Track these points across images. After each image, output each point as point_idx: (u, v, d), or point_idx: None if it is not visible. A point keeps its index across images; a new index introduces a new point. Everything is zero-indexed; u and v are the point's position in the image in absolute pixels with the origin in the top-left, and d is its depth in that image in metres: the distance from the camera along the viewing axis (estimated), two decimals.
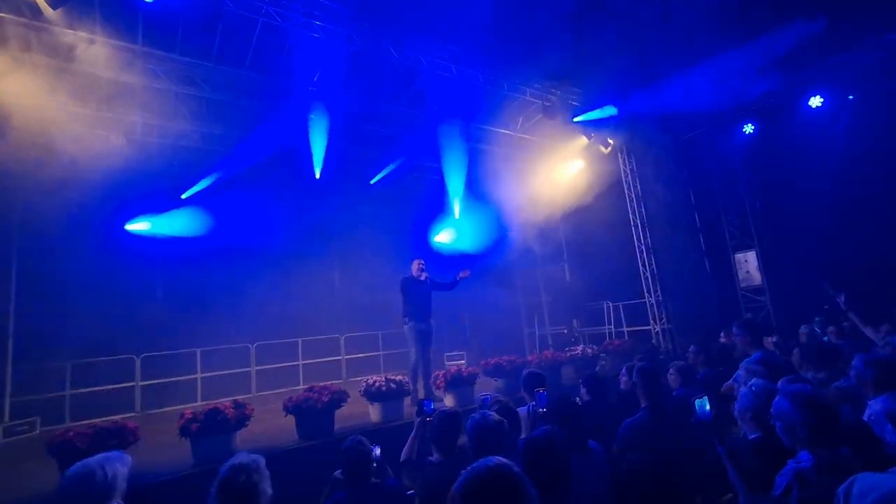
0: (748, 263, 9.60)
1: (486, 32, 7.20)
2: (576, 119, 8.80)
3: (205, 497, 3.71)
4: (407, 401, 5.76)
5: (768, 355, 4.18)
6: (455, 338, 11.51)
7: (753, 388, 2.58)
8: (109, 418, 6.77)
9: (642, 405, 3.10)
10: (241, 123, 7.82)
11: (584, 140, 9.46)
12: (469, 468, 1.51)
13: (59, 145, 6.78)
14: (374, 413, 5.47)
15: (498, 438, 2.47)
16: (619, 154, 9.91)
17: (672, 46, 7.79)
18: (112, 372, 8.24)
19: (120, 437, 3.77)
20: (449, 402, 5.93)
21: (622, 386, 4.37)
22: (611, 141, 9.53)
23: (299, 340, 10.30)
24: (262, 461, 1.96)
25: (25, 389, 7.45)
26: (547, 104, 8.49)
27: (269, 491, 1.92)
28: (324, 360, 10.42)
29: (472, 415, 2.81)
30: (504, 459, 1.51)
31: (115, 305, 8.25)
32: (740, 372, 3.63)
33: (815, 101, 7.96)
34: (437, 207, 11.67)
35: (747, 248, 9.66)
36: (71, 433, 3.75)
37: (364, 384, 5.50)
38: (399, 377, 5.59)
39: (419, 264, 6.79)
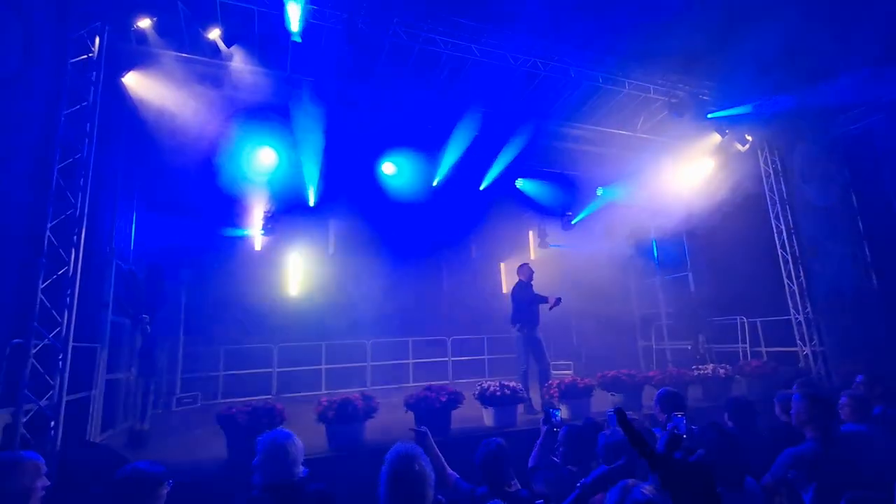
0: None
1: (605, 31, 6.92)
2: (710, 115, 7.98)
3: (340, 477, 4.04)
4: (520, 408, 5.72)
5: None
6: (561, 347, 11.16)
7: None
8: (254, 398, 7.82)
9: (808, 436, 2.69)
10: (366, 137, 8.47)
11: (716, 138, 8.53)
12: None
13: (218, 160, 7.97)
14: (487, 417, 5.51)
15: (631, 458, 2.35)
16: (760, 152, 8.80)
17: (830, 16, 6.72)
18: (254, 358, 9.43)
19: (271, 416, 4.27)
20: (563, 413, 5.75)
21: (778, 413, 3.83)
22: (749, 137, 8.50)
23: (409, 340, 10.80)
24: (421, 450, 2.11)
25: (190, 368, 8.85)
26: (673, 101, 7.85)
27: (433, 475, 2.06)
28: (432, 361, 10.80)
29: (604, 431, 2.71)
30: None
31: (259, 301, 9.49)
32: None
33: None
34: (549, 213, 11.48)
35: None
36: (234, 409, 4.35)
37: (478, 388, 5.57)
38: (512, 383, 5.57)
39: (529, 268, 6.74)
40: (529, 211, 11.67)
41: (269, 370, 9.49)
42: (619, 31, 6.99)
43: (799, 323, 8.28)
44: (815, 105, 7.70)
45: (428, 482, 2.04)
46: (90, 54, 4.45)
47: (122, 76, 5.70)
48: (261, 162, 8.46)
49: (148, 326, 6.11)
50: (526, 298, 6.50)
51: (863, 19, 6.64)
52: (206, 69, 6.25)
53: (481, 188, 10.07)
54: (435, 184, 9.60)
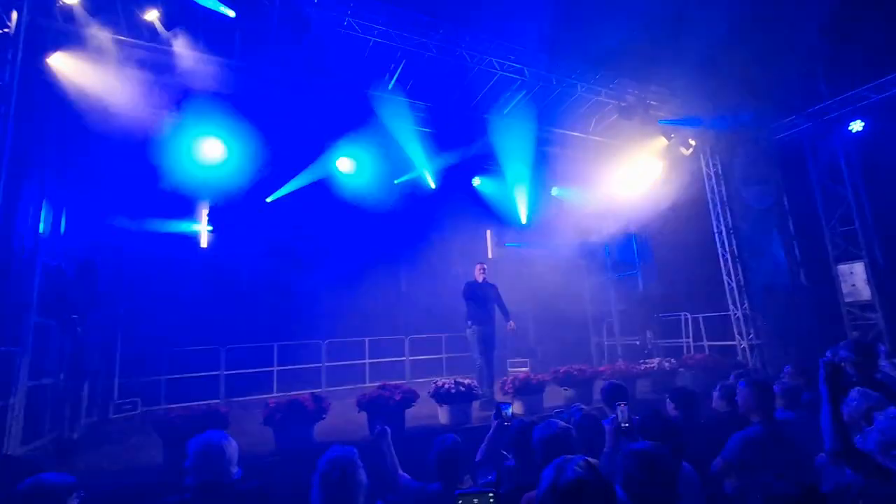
0: (854, 276, 8.54)
1: (560, 34, 7.06)
2: (661, 122, 8.34)
3: (287, 482, 3.90)
4: (475, 405, 5.73)
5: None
6: (519, 345, 11.34)
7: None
8: (199, 403, 7.42)
9: (754, 421, 2.85)
10: (320, 131, 8.24)
11: (663, 141, 8.93)
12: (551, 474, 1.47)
13: (158, 151, 7.52)
14: (442, 415, 5.49)
15: (566, 447, 2.38)
16: (702, 155, 9.28)
17: (767, 35, 7.16)
18: (201, 360, 8.97)
19: (214, 420, 4.05)
20: (517, 408, 5.82)
21: (714, 405, 4.04)
22: (692, 142, 8.93)
23: (366, 340, 10.64)
24: (356, 452, 2.05)
25: (130, 372, 8.30)
26: (623, 104, 8.14)
27: (366, 481, 2.00)
28: (389, 360, 10.67)
29: (538, 424, 2.73)
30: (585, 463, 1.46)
31: (205, 300, 9.02)
32: (854, 396, 3.26)
33: None
34: (507, 212, 11.60)
35: (853, 258, 8.61)
36: (173, 414, 4.11)
37: (433, 386, 5.54)
38: (468, 380, 5.57)
39: (481, 268, 6.91)
40: (486, 210, 11.75)
41: (217, 373, 9.06)
42: (573, 34, 7.16)
43: (737, 318, 8.78)
44: (752, 112, 8.20)
45: (358, 489, 2.01)
46: (6, 30, 4.06)
47: (47, 56, 5.23)
48: (207, 154, 8.01)
49: (78, 328, 5.67)
50: (477, 296, 6.62)
51: (797, 35, 7.10)
52: (145, 53, 5.84)
53: (434, 187, 10.03)
54: (397, 182, 9.48)
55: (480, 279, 6.81)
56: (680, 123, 8.74)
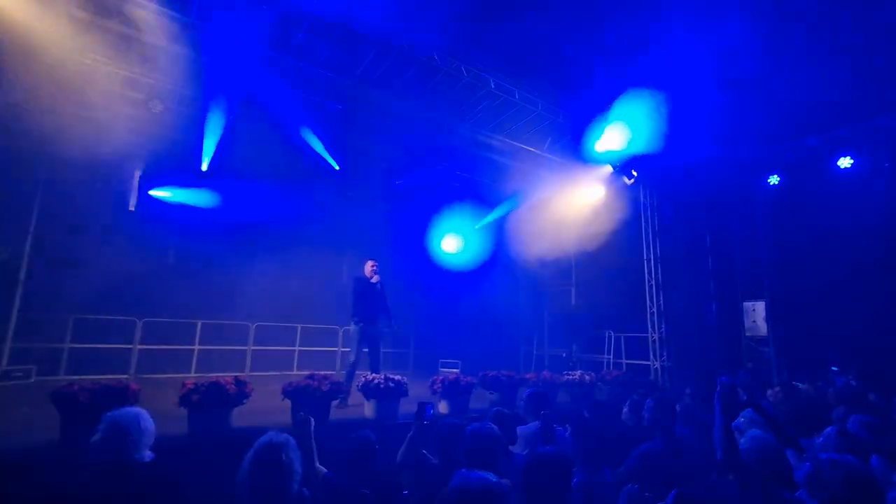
0: (756, 313, 9.54)
1: (530, 51, 7.29)
2: (605, 147, 8.83)
3: (199, 467, 3.73)
4: (402, 401, 5.73)
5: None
6: (452, 345, 11.51)
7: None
8: (105, 377, 6.85)
9: (658, 435, 3.12)
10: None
11: (608, 168, 9.48)
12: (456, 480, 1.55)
13: (96, 101, 6.89)
14: (368, 409, 5.46)
15: (493, 448, 2.51)
16: (642, 188, 9.93)
17: (708, 91, 7.82)
18: (112, 331, 8.32)
19: (122, 397, 3.78)
20: (442, 408, 5.93)
21: (623, 418, 4.36)
22: (635, 173, 9.55)
23: (298, 326, 10.36)
24: (293, 441, 2.02)
25: (25, 337, 7.52)
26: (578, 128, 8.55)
27: (300, 469, 1.98)
28: (320, 350, 10.46)
29: (473, 424, 2.83)
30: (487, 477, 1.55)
31: (125, 266, 8.35)
32: (740, 419, 3.65)
33: (844, 162, 7.97)
34: (452, 214, 11.73)
35: (757, 297, 9.61)
36: (75, 386, 3.78)
37: (363, 379, 5.51)
38: (398, 377, 5.58)
39: (372, 266, 6.73)
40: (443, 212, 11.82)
41: (129, 346, 8.44)
42: (541, 52, 7.41)
43: (654, 341, 9.48)
44: (689, 153, 8.89)
45: (293, 476, 1.99)
46: None
47: None
48: (149, 110, 7.41)
49: None
50: (365, 294, 6.55)
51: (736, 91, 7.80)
52: None
53: (398, 182, 9.96)
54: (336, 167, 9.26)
55: (373, 279, 6.65)
56: (623, 154, 9.29)
